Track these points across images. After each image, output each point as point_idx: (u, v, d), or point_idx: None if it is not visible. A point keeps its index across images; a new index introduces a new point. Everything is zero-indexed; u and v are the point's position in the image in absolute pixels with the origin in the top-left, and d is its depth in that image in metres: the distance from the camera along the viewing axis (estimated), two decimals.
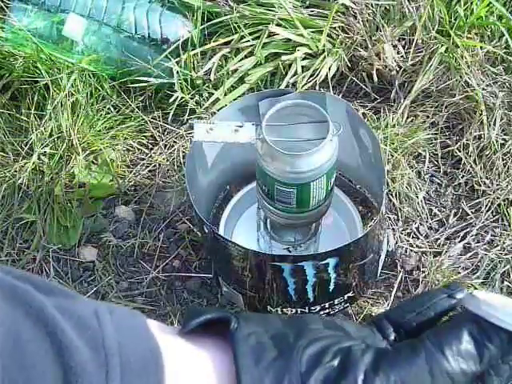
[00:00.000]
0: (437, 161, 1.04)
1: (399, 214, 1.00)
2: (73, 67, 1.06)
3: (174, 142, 1.06)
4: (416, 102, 1.07)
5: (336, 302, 0.91)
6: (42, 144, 1.04)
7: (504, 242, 0.98)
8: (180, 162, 1.04)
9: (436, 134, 1.05)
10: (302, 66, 1.07)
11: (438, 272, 0.94)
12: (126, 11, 1.08)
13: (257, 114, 0.89)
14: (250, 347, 0.65)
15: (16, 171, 1.04)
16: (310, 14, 1.09)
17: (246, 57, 1.08)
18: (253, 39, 1.07)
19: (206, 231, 0.86)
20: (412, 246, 0.98)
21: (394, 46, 1.08)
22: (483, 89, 1.05)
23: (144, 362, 0.58)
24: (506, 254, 0.97)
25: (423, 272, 0.95)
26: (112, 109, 1.08)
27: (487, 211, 1.00)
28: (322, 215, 0.89)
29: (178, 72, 1.06)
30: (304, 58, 1.08)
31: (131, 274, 0.98)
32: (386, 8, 1.09)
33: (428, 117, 1.06)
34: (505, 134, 1.04)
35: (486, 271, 0.96)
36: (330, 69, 1.07)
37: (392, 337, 0.72)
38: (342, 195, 0.98)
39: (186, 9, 1.10)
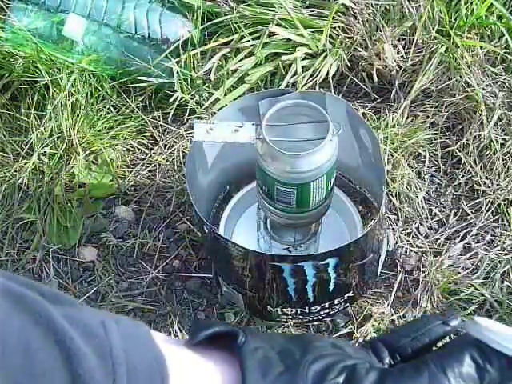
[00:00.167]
0: (437, 161, 1.04)
1: (399, 214, 1.00)
2: (73, 67, 1.06)
3: (174, 141, 1.06)
4: (416, 102, 1.07)
5: (336, 301, 0.91)
6: (42, 144, 1.04)
7: (504, 242, 0.98)
8: (180, 162, 1.04)
9: (436, 134, 1.05)
10: (302, 66, 1.07)
11: (438, 272, 0.94)
12: (126, 11, 1.08)
13: (257, 113, 0.89)
14: (257, 361, 0.67)
15: (16, 171, 1.04)
16: (310, 14, 1.09)
17: (245, 57, 1.08)
18: (253, 39, 1.07)
19: (206, 231, 0.86)
20: (412, 246, 0.98)
21: (394, 46, 1.08)
22: (483, 89, 1.05)
23: (150, 372, 0.59)
24: (506, 254, 0.97)
25: (423, 272, 0.95)
26: (112, 109, 1.08)
27: (487, 211, 1.00)
28: (322, 215, 0.89)
29: (178, 72, 1.06)
30: (304, 58, 1.08)
31: (131, 274, 0.98)
32: (386, 8, 1.09)
33: (428, 117, 1.06)
34: (505, 134, 1.04)
35: (486, 271, 0.96)
36: (330, 69, 1.07)
37: (387, 360, 0.74)
38: (342, 195, 0.98)
39: (186, 9, 1.10)
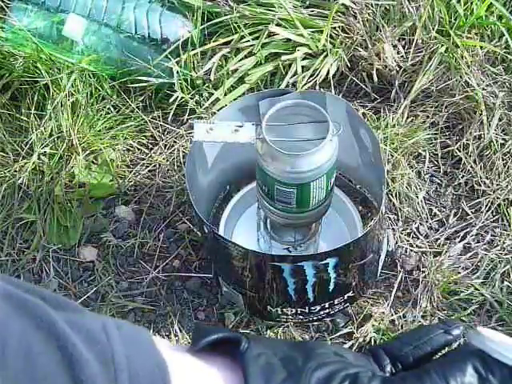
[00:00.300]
0: (437, 161, 1.04)
1: (399, 214, 1.00)
2: (73, 67, 1.06)
3: (174, 141, 1.06)
4: (416, 102, 1.07)
5: (336, 301, 0.91)
6: (42, 144, 1.04)
7: (504, 242, 0.98)
8: (180, 162, 1.04)
9: (436, 133, 1.05)
10: (302, 66, 1.07)
11: (438, 272, 0.94)
12: (126, 11, 1.08)
13: (257, 113, 0.89)
14: (260, 367, 0.67)
15: (16, 171, 1.04)
16: (310, 14, 1.09)
17: (245, 57, 1.08)
18: (253, 39, 1.07)
19: (206, 231, 0.86)
20: (412, 246, 0.98)
21: (394, 46, 1.08)
22: (483, 89, 1.05)
23: (152, 378, 0.59)
24: (506, 254, 0.97)
25: (423, 272, 0.95)
26: (112, 109, 1.08)
27: (487, 211, 1.00)
28: (322, 215, 0.89)
29: (177, 72, 1.06)
30: (304, 58, 1.08)
31: (131, 274, 0.98)
32: (386, 8, 1.09)
33: (428, 117, 1.06)
34: (505, 134, 1.04)
35: (486, 271, 0.96)
36: (330, 69, 1.07)
37: (388, 368, 0.74)
38: (342, 195, 0.98)
39: (186, 9, 1.10)
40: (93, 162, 1.05)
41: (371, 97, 1.09)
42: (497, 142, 1.03)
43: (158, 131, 1.07)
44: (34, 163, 1.03)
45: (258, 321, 0.93)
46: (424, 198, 1.01)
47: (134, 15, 1.08)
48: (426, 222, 1.00)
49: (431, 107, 1.07)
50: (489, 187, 1.01)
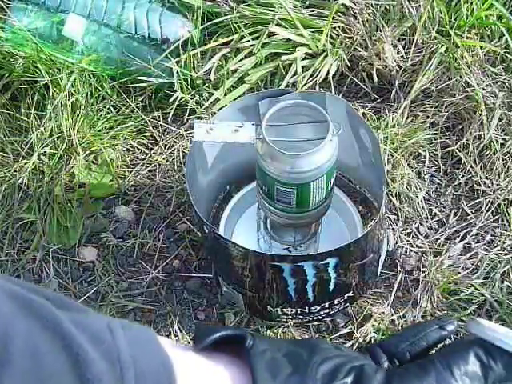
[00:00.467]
0: (437, 161, 1.04)
1: (399, 214, 1.00)
2: (73, 67, 1.06)
3: (174, 141, 1.06)
4: (416, 102, 1.07)
5: (336, 301, 0.91)
6: (42, 144, 1.04)
7: (504, 242, 0.98)
8: (180, 162, 1.04)
9: (436, 133, 1.05)
10: (302, 66, 1.07)
11: (438, 272, 0.94)
12: (126, 11, 1.08)
13: (257, 113, 0.89)
14: (266, 363, 0.68)
15: (16, 171, 1.04)
16: (310, 14, 1.09)
17: (245, 57, 1.08)
18: (253, 39, 1.07)
19: (206, 231, 0.86)
20: (412, 246, 0.98)
21: (394, 46, 1.08)
22: (483, 89, 1.05)
23: (157, 376, 0.59)
24: (506, 254, 0.97)
25: (423, 272, 0.95)
26: (112, 109, 1.08)
27: (487, 211, 1.00)
28: (322, 215, 0.89)
29: (177, 72, 1.06)
30: (304, 58, 1.08)
31: (131, 274, 0.98)
32: (386, 8, 1.09)
33: (428, 117, 1.06)
34: (505, 134, 1.04)
35: (486, 271, 0.96)
36: (330, 69, 1.07)
37: (385, 365, 0.74)
38: (342, 195, 0.98)
39: (186, 9, 1.10)
40: (93, 162, 1.05)
41: (371, 97, 1.09)
42: (497, 141, 1.03)
43: (158, 131, 1.07)
44: (34, 163, 1.03)
45: (258, 321, 0.93)
46: (424, 197, 1.01)
47: (134, 15, 1.08)
48: (426, 221, 1.00)
49: (431, 107, 1.07)
50: (489, 187, 1.01)
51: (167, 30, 1.08)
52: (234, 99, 1.05)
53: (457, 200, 1.02)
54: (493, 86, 1.06)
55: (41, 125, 1.05)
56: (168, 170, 1.04)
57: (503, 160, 1.03)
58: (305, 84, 1.06)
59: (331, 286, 0.87)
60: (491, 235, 0.99)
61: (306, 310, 0.90)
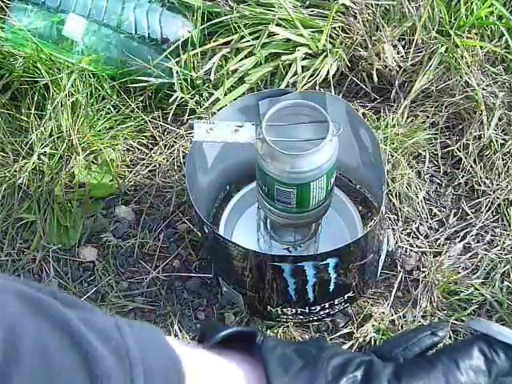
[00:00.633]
0: (437, 161, 1.04)
1: (399, 214, 1.00)
2: (73, 67, 1.06)
3: (174, 141, 1.06)
4: (416, 102, 1.07)
5: (336, 301, 0.91)
6: (42, 144, 1.04)
7: (504, 242, 0.98)
8: (180, 162, 1.04)
9: (436, 133, 1.05)
10: (302, 66, 1.07)
11: (438, 272, 0.94)
12: (126, 11, 1.08)
13: (257, 113, 0.89)
14: (278, 358, 0.69)
15: (16, 171, 1.04)
16: (310, 14, 1.09)
17: (246, 57, 1.08)
18: (253, 39, 1.07)
19: (206, 231, 0.86)
20: (412, 246, 0.98)
21: (394, 46, 1.08)
22: (483, 89, 1.05)
23: (166, 373, 0.59)
24: (506, 254, 0.97)
25: (423, 272, 0.95)
26: (112, 109, 1.08)
27: (487, 211, 1.00)
28: (322, 215, 0.89)
29: (177, 72, 1.06)
30: (304, 58, 1.08)
31: (131, 274, 0.98)
32: (386, 8, 1.09)
33: (428, 117, 1.06)
34: (505, 134, 1.04)
35: (486, 271, 0.96)
36: (330, 69, 1.07)
37: None
38: (342, 195, 0.98)
39: (186, 9, 1.10)
40: (93, 162, 1.05)
41: (371, 97, 1.09)
42: (497, 142, 1.03)
43: (158, 131, 1.07)
44: (34, 163, 1.03)
45: (257, 321, 0.93)
46: (424, 197, 1.01)
47: (134, 15, 1.08)
48: (426, 221, 1.00)
49: (431, 107, 1.07)
50: (489, 187, 1.01)
51: (167, 30, 1.08)
52: (234, 99, 1.05)
53: (457, 200, 1.02)
54: (493, 86, 1.06)
55: (41, 125, 1.05)
56: (168, 170, 1.04)
57: (503, 160, 1.03)
58: (305, 84, 1.06)
59: (331, 286, 0.87)
60: (491, 235, 0.99)
61: (306, 310, 0.90)
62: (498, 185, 1.01)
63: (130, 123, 1.07)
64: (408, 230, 0.99)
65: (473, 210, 1.01)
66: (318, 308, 0.90)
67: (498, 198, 1.00)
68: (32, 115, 1.06)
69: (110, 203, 1.03)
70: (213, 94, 1.06)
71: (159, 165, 1.05)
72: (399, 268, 0.96)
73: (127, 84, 1.08)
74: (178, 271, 0.97)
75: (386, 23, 1.08)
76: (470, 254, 0.97)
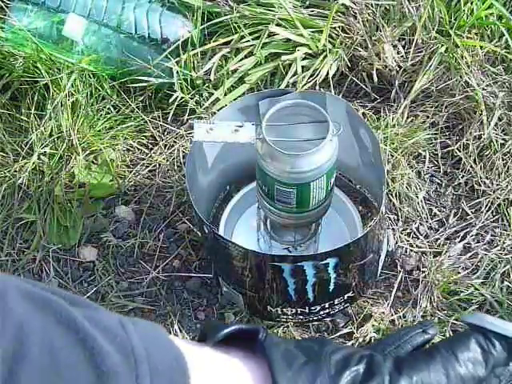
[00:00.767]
0: (437, 161, 1.04)
1: (399, 214, 1.00)
2: (73, 67, 1.06)
3: (174, 141, 1.06)
4: (416, 102, 1.07)
5: (336, 301, 0.91)
6: (42, 144, 1.04)
7: (504, 242, 0.98)
8: (180, 162, 1.04)
9: (436, 133, 1.05)
10: (302, 66, 1.07)
11: (438, 272, 0.94)
12: (126, 11, 1.08)
13: (257, 113, 0.89)
14: (281, 353, 0.70)
15: (16, 171, 1.04)
16: (310, 14, 1.09)
17: (246, 57, 1.08)
18: (253, 39, 1.07)
19: (206, 231, 0.86)
20: (412, 246, 0.98)
21: (394, 46, 1.08)
22: (483, 89, 1.05)
23: (170, 370, 0.60)
24: (506, 254, 0.97)
25: (423, 272, 0.95)
26: (112, 109, 1.08)
27: (487, 211, 1.00)
28: (322, 215, 0.89)
29: (177, 72, 1.06)
30: (304, 58, 1.08)
31: (131, 274, 0.98)
32: (386, 8, 1.09)
33: (428, 117, 1.06)
34: (505, 134, 1.04)
35: (486, 271, 0.96)
36: (329, 69, 1.07)
37: None
38: (342, 195, 0.98)
39: (186, 9, 1.10)
40: (93, 162, 1.05)
41: (371, 97, 1.09)
42: (497, 142, 1.03)
43: (158, 131, 1.07)
44: (34, 163, 1.03)
45: (257, 321, 0.93)
46: (424, 197, 1.01)
47: (134, 15, 1.08)
48: (426, 221, 1.00)
49: (431, 107, 1.07)
50: (489, 187, 1.01)
51: (167, 30, 1.08)
52: (234, 99, 1.05)
53: (457, 200, 1.02)
54: (493, 86, 1.06)
55: (41, 125, 1.05)
56: (168, 170, 1.04)
57: (503, 160, 1.03)
58: (305, 84, 1.06)
59: (331, 286, 0.87)
60: (491, 235, 0.99)
61: (306, 310, 0.90)
62: (498, 185, 1.01)
63: (130, 123, 1.07)
64: (408, 230, 0.99)
65: (473, 210, 1.00)
66: (318, 308, 0.90)
67: (498, 198, 1.00)
68: (32, 115, 1.06)
69: (110, 203, 1.03)
70: (213, 94, 1.06)
71: (159, 165, 1.05)
72: (399, 268, 0.96)
73: (127, 84, 1.08)
74: (178, 271, 0.97)
75: (386, 23, 1.08)
76: (470, 254, 0.97)
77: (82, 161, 1.03)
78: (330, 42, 1.07)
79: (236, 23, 1.08)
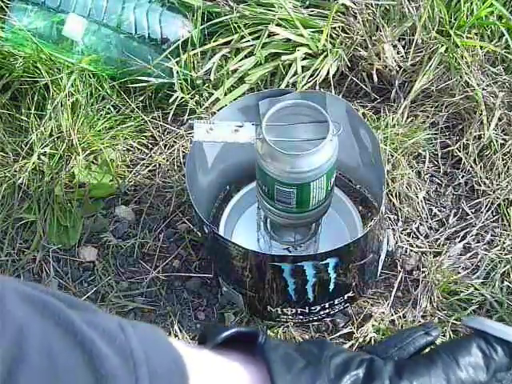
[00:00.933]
0: (437, 161, 1.04)
1: (399, 214, 1.00)
2: (73, 67, 1.06)
3: (174, 141, 1.06)
4: (416, 102, 1.07)
5: (336, 301, 0.91)
6: (42, 144, 1.04)
7: (504, 242, 0.98)
8: (180, 162, 1.04)
9: (436, 134, 1.05)
10: (302, 66, 1.07)
11: (438, 272, 0.94)
12: (126, 11, 1.08)
13: (257, 113, 0.89)
14: (280, 357, 0.70)
15: (16, 171, 1.04)
16: (310, 14, 1.09)
17: (246, 57, 1.08)
18: (253, 39, 1.07)
19: (206, 231, 0.86)
20: (412, 246, 0.98)
21: (394, 46, 1.08)
22: (483, 89, 1.05)
23: (170, 374, 0.60)
24: (506, 254, 0.97)
25: (423, 272, 0.95)
26: (112, 109, 1.08)
27: (487, 211, 1.00)
28: (322, 215, 0.89)
29: (177, 72, 1.06)
30: (304, 58, 1.08)
31: (131, 274, 0.98)
32: (386, 8, 1.09)
33: (428, 117, 1.06)
34: (505, 134, 1.04)
35: (486, 271, 0.96)
36: (330, 69, 1.07)
37: None
38: (342, 195, 0.98)
39: (186, 9, 1.10)
40: (93, 162, 1.05)
41: (371, 97, 1.09)
42: (497, 142, 1.03)
43: (158, 131, 1.07)
44: (34, 163, 1.03)
45: (257, 321, 0.93)
46: (424, 197, 1.01)
47: (134, 15, 1.08)
48: (426, 221, 1.00)
49: (431, 107, 1.07)
50: (489, 187, 1.01)
51: (167, 30, 1.08)
52: (234, 99, 1.05)
53: (457, 200, 1.02)
54: (493, 86, 1.06)
55: (41, 125, 1.05)
56: (168, 170, 1.04)
57: (503, 160, 1.03)
58: (305, 84, 1.06)
59: (331, 286, 0.87)
60: (491, 235, 0.99)
61: (306, 310, 0.90)
62: (498, 185, 1.01)
63: (130, 123, 1.07)
64: (408, 230, 0.99)
65: (473, 210, 1.01)
66: (318, 308, 0.90)
67: (498, 198, 1.00)
68: (32, 115, 1.06)
69: (110, 203, 1.03)
70: (213, 94, 1.06)
71: (159, 165, 1.05)
72: (399, 268, 0.96)
73: (127, 84, 1.08)
74: (178, 271, 0.97)
75: (386, 23, 1.08)
76: (470, 254, 0.97)
77: (81, 161, 1.03)
78: (330, 42, 1.07)
79: (236, 23, 1.08)
